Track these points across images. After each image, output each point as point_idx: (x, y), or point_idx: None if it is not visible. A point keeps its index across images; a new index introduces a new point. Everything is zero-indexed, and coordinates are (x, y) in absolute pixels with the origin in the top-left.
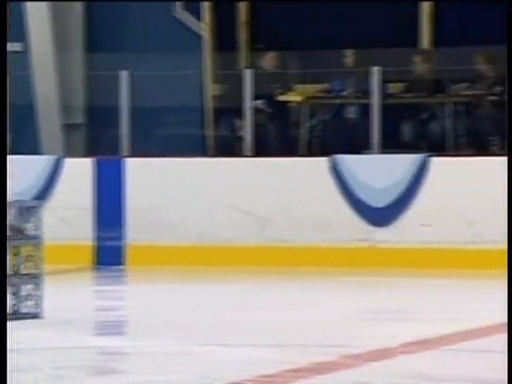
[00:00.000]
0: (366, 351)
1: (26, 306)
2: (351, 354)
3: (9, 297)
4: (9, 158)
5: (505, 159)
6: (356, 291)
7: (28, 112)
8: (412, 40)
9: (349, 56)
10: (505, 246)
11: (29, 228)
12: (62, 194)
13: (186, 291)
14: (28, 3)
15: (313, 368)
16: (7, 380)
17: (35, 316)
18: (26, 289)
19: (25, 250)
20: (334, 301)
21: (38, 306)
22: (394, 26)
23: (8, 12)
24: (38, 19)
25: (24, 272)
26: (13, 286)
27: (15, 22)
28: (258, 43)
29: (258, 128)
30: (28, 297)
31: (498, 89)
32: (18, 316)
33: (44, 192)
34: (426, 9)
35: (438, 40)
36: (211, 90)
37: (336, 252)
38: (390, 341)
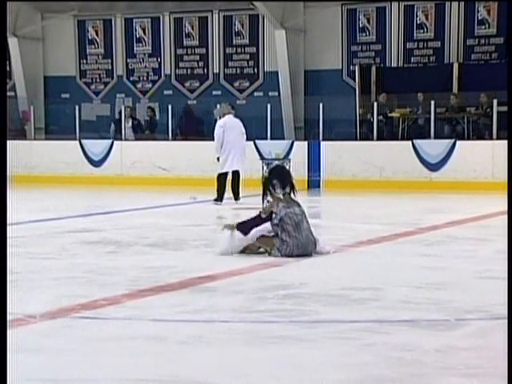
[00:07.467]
0: (426, 227)
1: None
2: (420, 228)
3: None
4: None
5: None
6: (423, 200)
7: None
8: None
9: (421, 96)
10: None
11: None
12: None
13: None
14: None
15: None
16: (7, 379)
17: None
18: None
19: None
20: (407, 204)
21: None
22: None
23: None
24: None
25: None
26: None
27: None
28: (381, 90)
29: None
30: None
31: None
32: None
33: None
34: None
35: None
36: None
37: (411, 183)
38: (436, 221)
